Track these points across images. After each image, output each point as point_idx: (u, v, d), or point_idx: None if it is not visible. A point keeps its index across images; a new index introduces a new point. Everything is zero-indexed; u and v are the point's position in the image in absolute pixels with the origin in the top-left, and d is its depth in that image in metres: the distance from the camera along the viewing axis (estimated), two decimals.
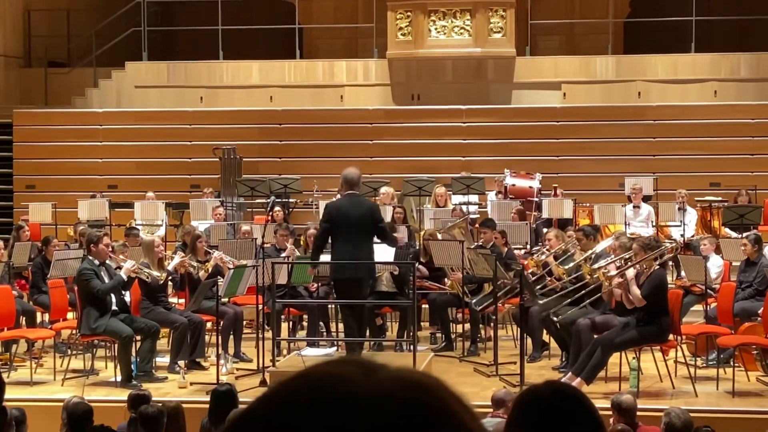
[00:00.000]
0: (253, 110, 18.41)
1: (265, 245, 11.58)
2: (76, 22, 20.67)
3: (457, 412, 1.10)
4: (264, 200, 15.58)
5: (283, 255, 11.77)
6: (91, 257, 10.28)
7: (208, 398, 8.17)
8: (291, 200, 16.06)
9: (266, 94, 18.80)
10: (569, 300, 10.50)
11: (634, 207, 14.69)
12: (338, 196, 15.43)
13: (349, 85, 18.73)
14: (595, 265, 9.98)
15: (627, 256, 9.80)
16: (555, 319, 10.23)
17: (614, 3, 19.59)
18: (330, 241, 10.13)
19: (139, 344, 10.35)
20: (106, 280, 10.14)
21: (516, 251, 12.73)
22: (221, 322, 10.67)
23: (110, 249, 10.56)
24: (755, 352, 10.44)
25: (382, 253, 10.61)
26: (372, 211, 10.02)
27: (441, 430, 1.08)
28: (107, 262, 10.36)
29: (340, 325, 12.13)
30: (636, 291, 9.47)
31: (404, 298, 11.14)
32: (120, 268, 10.32)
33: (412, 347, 10.02)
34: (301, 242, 12.94)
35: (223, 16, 19.07)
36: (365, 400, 1.06)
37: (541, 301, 10.53)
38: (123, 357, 10.05)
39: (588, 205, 15.44)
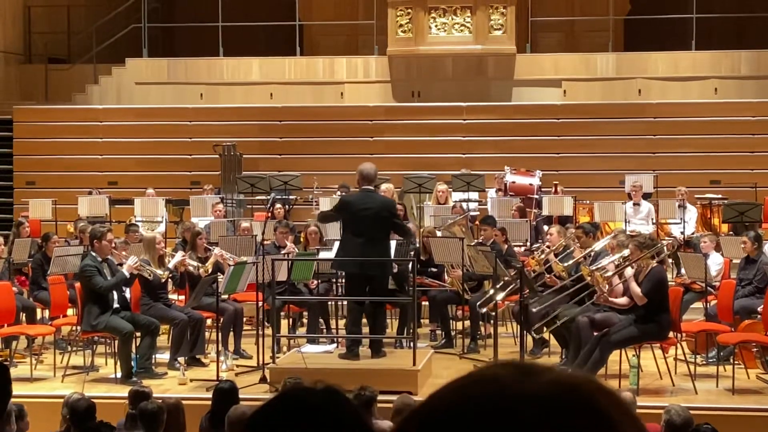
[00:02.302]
0: (254, 107, 18.41)
1: (265, 242, 11.58)
2: (77, 19, 20.68)
3: (614, 419, 1.10)
4: (264, 197, 15.58)
5: (283, 252, 11.77)
6: (93, 253, 10.26)
7: (208, 395, 8.18)
8: (291, 197, 16.05)
9: (266, 91, 18.79)
10: (571, 299, 10.48)
11: (634, 204, 14.69)
12: (338, 193, 15.50)
13: (350, 82, 18.73)
14: (593, 266, 9.97)
15: (624, 255, 9.80)
16: (558, 323, 10.22)
17: (614, 0, 19.58)
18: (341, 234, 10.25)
19: (139, 341, 10.35)
20: (108, 276, 10.13)
21: (516, 248, 12.74)
22: (221, 319, 10.68)
23: (113, 245, 10.55)
24: (755, 349, 10.45)
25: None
26: (386, 207, 9.96)
27: None
28: (109, 258, 10.35)
29: (341, 322, 12.15)
30: (636, 289, 9.48)
31: (404, 295, 11.14)
32: (121, 264, 10.32)
33: (412, 344, 10.02)
34: (301, 239, 12.94)
35: (224, 13, 19.07)
36: (519, 401, 1.09)
37: (539, 305, 10.50)
38: (123, 353, 10.05)
39: (588, 202, 15.44)
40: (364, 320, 10.23)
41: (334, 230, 13.17)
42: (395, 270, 11.35)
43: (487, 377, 1.13)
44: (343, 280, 11.33)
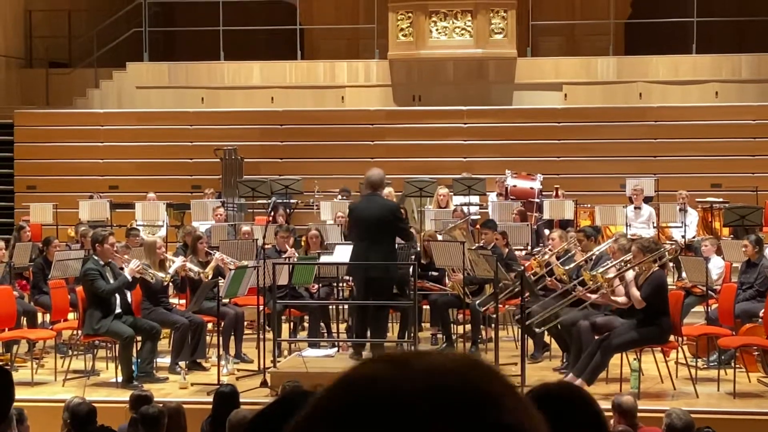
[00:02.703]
0: (255, 111, 18.41)
1: (267, 246, 11.58)
2: (78, 23, 20.69)
3: (495, 394, 1.08)
4: (265, 201, 15.58)
5: (284, 257, 11.76)
6: (96, 257, 10.26)
7: (209, 399, 8.18)
8: (292, 201, 16.05)
9: (267, 95, 18.80)
10: (572, 303, 10.48)
11: (635, 208, 14.69)
12: (339, 197, 15.53)
13: (350, 86, 18.73)
14: (594, 271, 9.96)
15: (627, 258, 9.80)
16: (537, 330, 10.26)
17: (615, 4, 19.59)
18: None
19: (140, 345, 10.34)
20: (111, 280, 10.13)
21: (517, 252, 12.73)
22: (222, 323, 10.67)
23: (115, 249, 10.55)
24: (756, 353, 10.44)
25: None
26: (388, 211, 10.09)
27: (478, 416, 1.06)
28: (111, 262, 10.35)
29: (341, 326, 12.15)
30: (635, 292, 9.47)
31: (405, 299, 11.14)
32: (123, 268, 10.31)
33: (413, 348, 10.01)
34: (302, 243, 12.94)
35: (224, 17, 19.07)
36: (398, 397, 1.06)
37: (540, 308, 10.51)
38: (124, 358, 10.05)
39: (589, 206, 15.44)
40: None
41: (335, 234, 13.18)
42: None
43: (361, 377, 1.11)
44: (344, 284, 11.43)
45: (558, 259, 10.96)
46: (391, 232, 10.13)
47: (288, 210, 15.49)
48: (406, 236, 10.63)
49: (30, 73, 20.33)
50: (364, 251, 10.00)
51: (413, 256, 11.82)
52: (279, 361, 10.24)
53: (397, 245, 11.02)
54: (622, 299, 9.67)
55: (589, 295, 10.08)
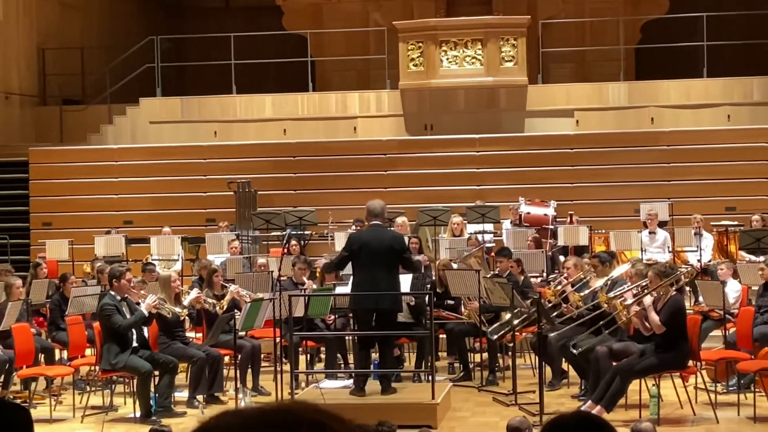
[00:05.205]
0: (267, 143, 18.48)
1: (282, 278, 11.58)
2: (90, 60, 20.84)
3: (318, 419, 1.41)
4: (279, 233, 15.60)
5: (302, 289, 11.76)
6: (113, 292, 10.28)
7: None
8: (306, 232, 16.07)
9: (280, 127, 18.87)
10: (588, 329, 10.44)
11: (650, 233, 14.66)
12: (353, 227, 15.53)
13: (362, 117, 18.80)
14: (611, 294, 9.94)
15: (643, 284, 9.77)
16: (575, 351, 10.17)
17: (625, 29, 19.64)
18: (352, 270, 10.23)
19: (157, 380, 10.34)
20: (127, 315, 10.15)
21: (532, 279, 12.71)
22: (239, 356, 10.67)
23: (131, 284, 10.57)
24: None
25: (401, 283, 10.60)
26: (395, 242, 10.02)
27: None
28: (128, 297, 10.37)
29: None
30: (655, 318, 9.43)
31: (421, 328, 11.13)
32: (140, 303, 10.33)
33: (430, 377, 10.00)
34: (317, 274, 12.95)
35: (236, 51, 19.19)
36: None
37: (557, 331, 10.48)
38: (142, 393, 10.05)
39: (604, 231, 15.42)
40: (375, 355, 10.25)
41: (350, 265, 13.15)
42: (412, 303, 11.35)
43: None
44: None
45: (573, 286, 10.94)
46: (396, 262, 10.03)
47: (302, 241, 15.51)
48: (412, 267, 10.48)
49: (44, 111, 20.46)
50: (373, 282, 9.88)
51: (428, 285, 11.81)
52: (296, 393, 10.22)
53: (413, 275, 11.03)
54: (647, 324, 9.57)
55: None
